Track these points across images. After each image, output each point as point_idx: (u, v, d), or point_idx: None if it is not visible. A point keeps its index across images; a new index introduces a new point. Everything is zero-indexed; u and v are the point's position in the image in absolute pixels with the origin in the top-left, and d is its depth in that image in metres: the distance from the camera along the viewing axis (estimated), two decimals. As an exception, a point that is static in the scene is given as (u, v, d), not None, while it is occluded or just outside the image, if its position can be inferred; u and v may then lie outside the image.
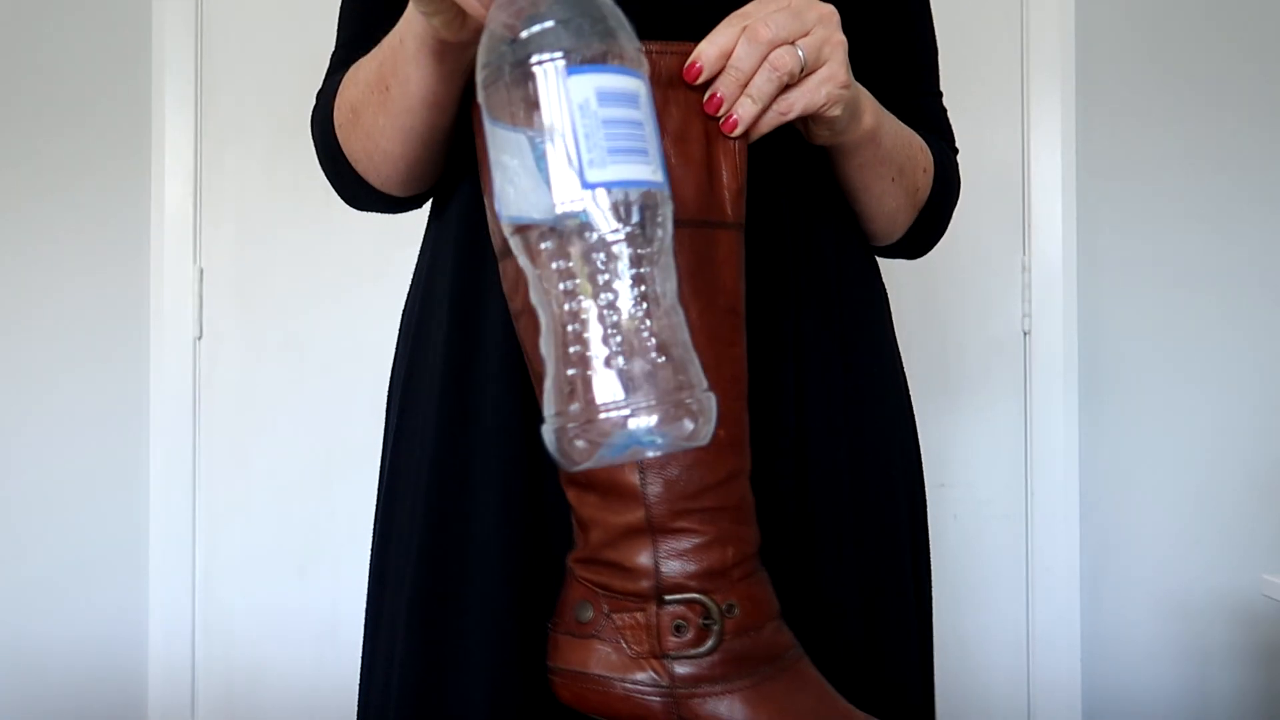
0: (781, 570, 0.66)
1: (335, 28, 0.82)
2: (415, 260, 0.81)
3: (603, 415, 0.44)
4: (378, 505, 0.78)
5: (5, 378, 1.72)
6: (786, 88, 0.59)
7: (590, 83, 0.45)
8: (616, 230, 0.45)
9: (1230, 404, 1.74)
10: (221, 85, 1.77)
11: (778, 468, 0.68)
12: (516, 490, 0.66)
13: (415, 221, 0.84)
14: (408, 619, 0.69)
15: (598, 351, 0.44)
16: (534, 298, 0.47)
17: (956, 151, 0.87)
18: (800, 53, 0.58)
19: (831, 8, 0.60)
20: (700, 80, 0.56)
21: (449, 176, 0.75)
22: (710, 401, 0.46)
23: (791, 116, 0.59)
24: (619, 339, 0.44)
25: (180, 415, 1.76)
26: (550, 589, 0.63)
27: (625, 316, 0.45)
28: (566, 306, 0.45)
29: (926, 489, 0.83)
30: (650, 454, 0.46)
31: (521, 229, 0.46)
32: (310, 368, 1.76)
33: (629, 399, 0.44)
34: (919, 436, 0.83)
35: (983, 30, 1.74)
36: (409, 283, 0.82)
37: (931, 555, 0.82)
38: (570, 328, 0.45)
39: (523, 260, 0.47)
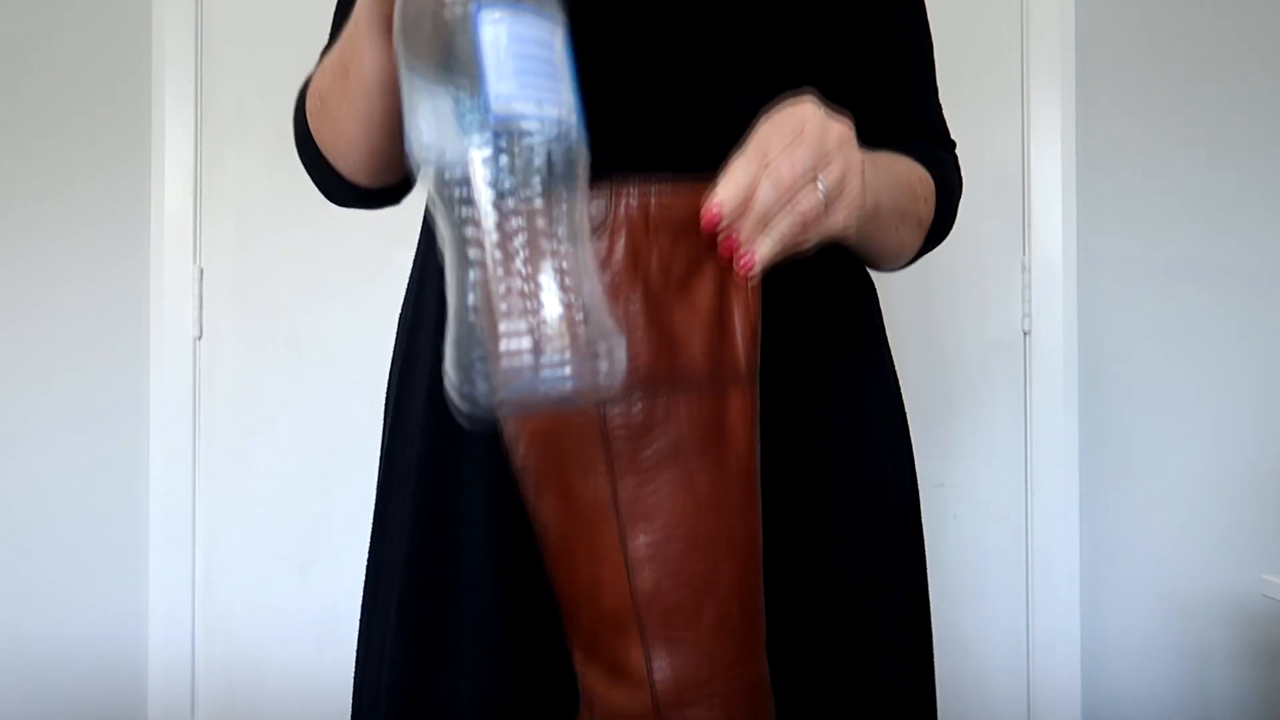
0: (769, 571, 0.66)
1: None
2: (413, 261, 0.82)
3: (505, 362, 0.43)
4: (376, 502, 0.78)
5: (5, 377, 1.72)
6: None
7: (503, 24, 0.44)
8: (526, 174, 0.44)
9: (1230, 404, 1.74)
10: (221, 85, 1.77)
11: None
12: (504, 488, 0.67)
13: (415, 222, 0.84)
14: (398, 614, 0.69)
15: (503, 295, 0.44)
16: (441, 240, 0.46)
17: (953, 145, 0.85)
18: (822, 188, 0.54)
19: (847, 126, 0.57)
20: (719, 226, 0.53)
21: None
22: (619, 347, 0.45)
23: (806, 248, 0.57)
24: (524, 283, 0.44)
25: (180, 415, 1.76)
26: (537, 585, 0.63)
27: (532, 259, 0.44)
28: (472, 252, 0.44)
29: (927, 489, 0.83)
30: (553, 396, 0.44)
31: (432, 173, 0.45)
32: (310, 368, 1.76)
33: (533, 344, 0.43)
34: (915, 437, 0.82)
35: (983, 30, 1.74)
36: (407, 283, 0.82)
37: (931, 555, 0.82)
38: (474, 272, 0.44)
39: (433, 205, 0.46)
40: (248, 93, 1.77)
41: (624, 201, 0.50)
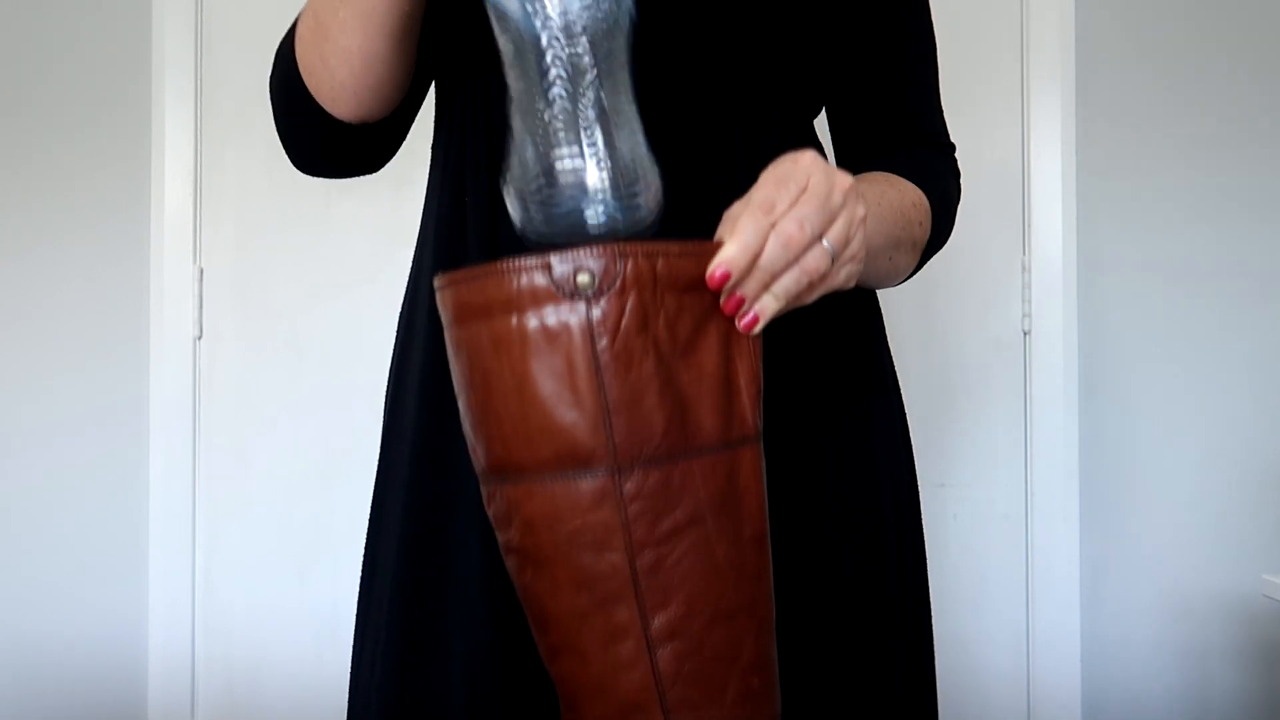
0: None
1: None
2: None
3: (560, 192, 0.49)
4: (374, 497, 0.79)
5: (5, 377, 1.72)
6: None
7: None
8: (594, 18, 0.48)
9: (1230, 404, 1.74)
10: (221, 85, 1.77)
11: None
12: None
13: (415, 221, 0.84)
14: (390, 605, 0.70)
15: (563, 129, 0.49)
16: (511, 79, 0.49)
17: (952, 148, 0.85)
18: (828, 247, 0.54)
19: (850, 180, 0.57)
20: (725, 287, 0.52)
21: (433, 181, 0.76)
22: (656, 188, 0.51)
23: (808, 300, 0.56)
24: (581, 121, 0.49)
25: (180, 415, 1.76)
26: None
27: (590, 99, 0.49)
28: (541, 88, 0.49)
29: (927, 489, 0.83)
30: (598, 228, 0.48)
31: (501, 17, 0.49)
32: (310, 368, 1.76)
33: (584, 176, 0.49)
34: (915, 437, 0.82)
35: (983, 30, 1.74)
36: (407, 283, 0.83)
37: (931, 555, 0.82)
38: (541, 105, 0.49)
39: (503, 43, 0.49)
40: (248, 93, 1.77)
41: (630, 262, 0.48)
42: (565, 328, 0.48)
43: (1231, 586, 1.73)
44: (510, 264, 0.49)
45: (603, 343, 0.48)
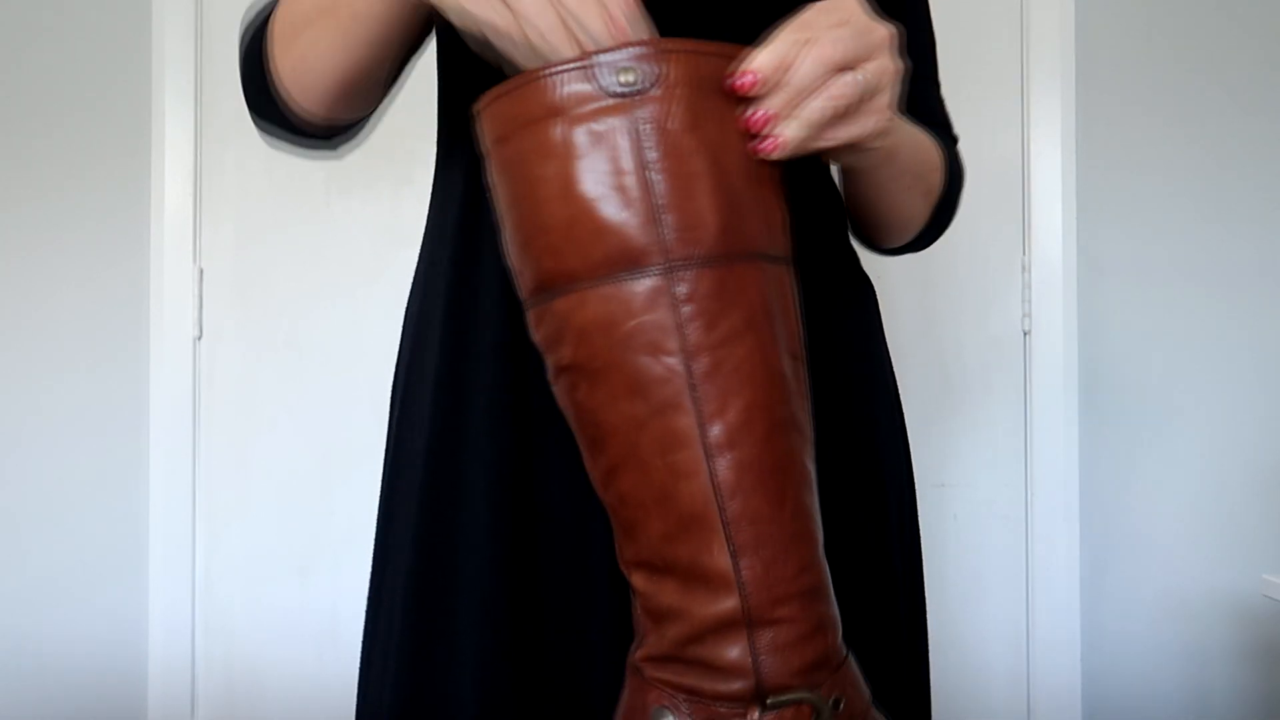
0: None
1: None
2: (415, 261, 0.82)
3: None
4: (381, 492, 0.79)
5: (5, 377, 1.72)
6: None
7: None
8: None
9: (1230, 404, 1.74)
10: (221, 85, 1.77)
11: None
12: (507, 477, 0.67)
13: (415, 222, 0.84)
14: (403, 602, 0.70)
15: None
16: None
17: (956, 140, 0.85)
18: (861, 78, 0.51)
19: (894, 30, 0.55)
20: (751, 94, 0.49)
21: (447, 180, 0.76)
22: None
23: (830, 145, 0.53)
24: None
25: (180, 415, 1.76)
26: (537, 577, 0.63)
27: None
28: None
29: (927, 489, 0.83)
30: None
31: None
32: (310, 368, 1.76)
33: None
34: (915, 437, 0.83)
35: (983, 30, 1.74)
36: (409, 282, 0.82)
37: (931, 555, 0.82)
38: None
39: None
40: (248, 93, 1.77)
41: (674, 60, 0.46)
42: (611, 129, 0.46)
43: (1231, 586, 1.73)
44: (550, 69, 0.47)
45: (650, 141, 0.46)
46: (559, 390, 0.52)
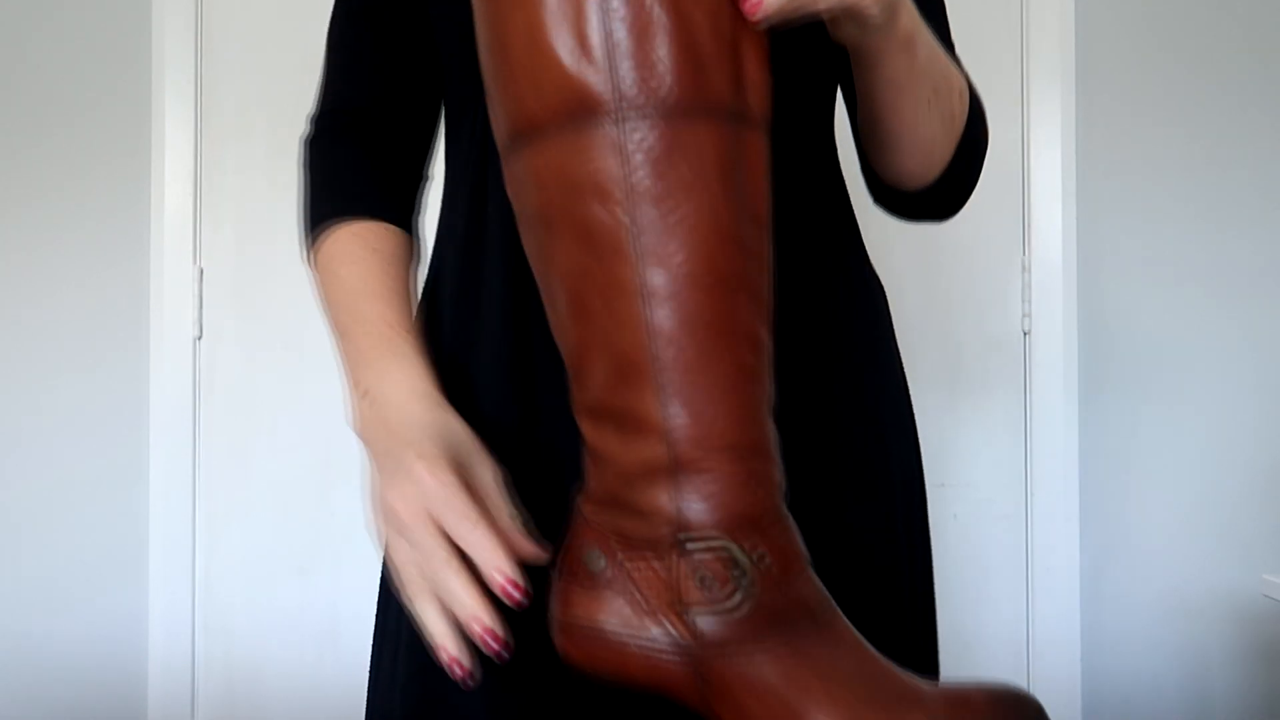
0: None
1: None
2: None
3: None
4: None
5: (5, 377, 1.72)
6: None
7: None
8: None
9: (1230, 403, 1.74)
10: (221, 85, 1.77)
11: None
12: (517, 474, 0.67)
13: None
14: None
15: None
16: None
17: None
18: None
19: None
20: None
21: (453, 190, 0.76)
22: None
23: (822, 8, 0.52)
24: None
25: (180, 415, 1.76)
26: (545, 580, 0.63)
27: None
28: None
29: (927, 489, 0.83)
30: None
31: None
32: (310, 368, 1.76)
33: None
34: (920, 437, 0.83)
35: (983, 30, 1.74)
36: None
37: (932, 556, 0.82)
38: None
39: None
40: (248, 93, 1.77)
41: None
42: None
43: (1231, 586, 1.73)
44: None
45: None
46: (526, 245, 0.53)
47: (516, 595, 0.51)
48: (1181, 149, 1.75)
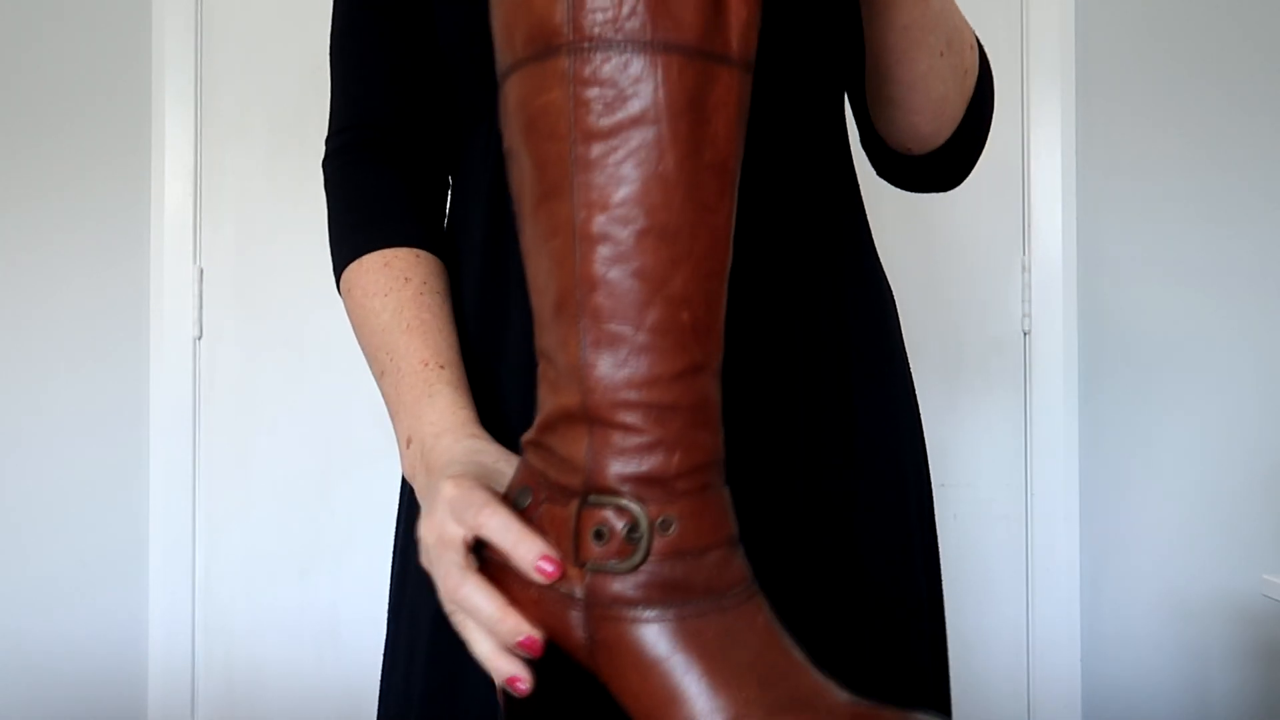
0: (790, 581, 0.66)
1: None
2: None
3: None
4: (401, 494, 0.79)
5: (5, 377, 1.72)
6: None
7: None
8: None
9: (1230, 404, 1.74)
10: (221, 85, 1.77)
11: (784, 480, 0.67)
12: None
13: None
14: (429, 606, 0.68)
15: None
16: None
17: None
18: None
19: None
20: None
21: (470, 198, 0.75)
22: None
23: None
24: None
25: (180, 415, 1.76)
26: None
27: None
28: None
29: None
30: None
31: None
32: (310, 368, 1.76)
33: None
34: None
35: (983, 30, 1.73)
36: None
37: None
38: None
39: None
40: (248, 94, 1.77)
41: None
42: None
43: (1231, 586, 1.73)
44: None
45: None
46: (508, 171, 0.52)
47: (549, 569, 0.49)
48: (1181, 149, 1.75)
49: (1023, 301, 1.74)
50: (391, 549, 0.80)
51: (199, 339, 1.77)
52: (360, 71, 0.77)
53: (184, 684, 1.76)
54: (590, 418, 0.46)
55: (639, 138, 0.45)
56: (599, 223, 0.46)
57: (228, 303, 1.77)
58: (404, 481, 0.77)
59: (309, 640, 1.75)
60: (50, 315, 1.74)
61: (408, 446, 0.66)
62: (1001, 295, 1.75)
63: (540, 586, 0.49)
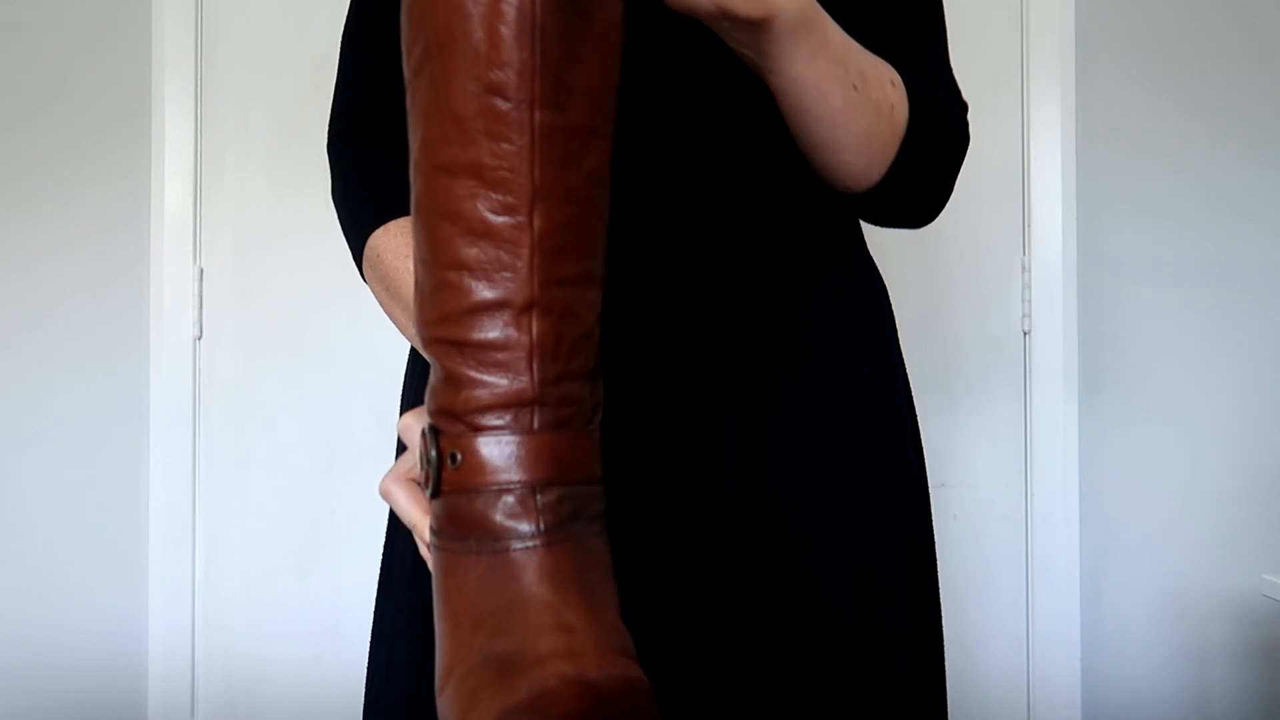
0: (767, 583, 0.66)
1: (335, 29, 0.82)
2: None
3: None
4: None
5: (6, 378, 1.72)
6: None
7: None
8: None
9: (1230, 404, 1.74)
10: (221, 85, 1.77)
11: (720, 479, 0.67)
12: None
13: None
14: (411, 595, 0.70)
15: None
16: None
17: (964, 107, 0.78)
18: None
19: None
20: None
21: None
22: None
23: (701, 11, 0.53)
24: None
25: (180, 415, 1.76)
26: None
27: None
28: None
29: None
30: None
31: None
32: (310, 368, 1.76)
33: None
34: (920, 437, 0.82)
35: (983, 31, 1.74)
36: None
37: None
38: None
39: None
40: (248, 94, 1.77)
41: None
42: None
43: (1231, 586, 1.73)
44: None
45: None
46: None
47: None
48: (1181, 149, 1.75)
49: (1022, 302, 1.74)
50: None
51: (199, 339, 1.77)
52: (368, 58, 0.78)
53: (184, 683, 1.76)
54: (424, 345, 0.49)
55: (425, 77, 0.47)
56: (410, 164, 0.48)
57: (228, 303, 1.78)
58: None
59: (309, 640, 1.75)
60: (50, 316, 1.74)
61: None
62: (1001, 295, 1.75)
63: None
